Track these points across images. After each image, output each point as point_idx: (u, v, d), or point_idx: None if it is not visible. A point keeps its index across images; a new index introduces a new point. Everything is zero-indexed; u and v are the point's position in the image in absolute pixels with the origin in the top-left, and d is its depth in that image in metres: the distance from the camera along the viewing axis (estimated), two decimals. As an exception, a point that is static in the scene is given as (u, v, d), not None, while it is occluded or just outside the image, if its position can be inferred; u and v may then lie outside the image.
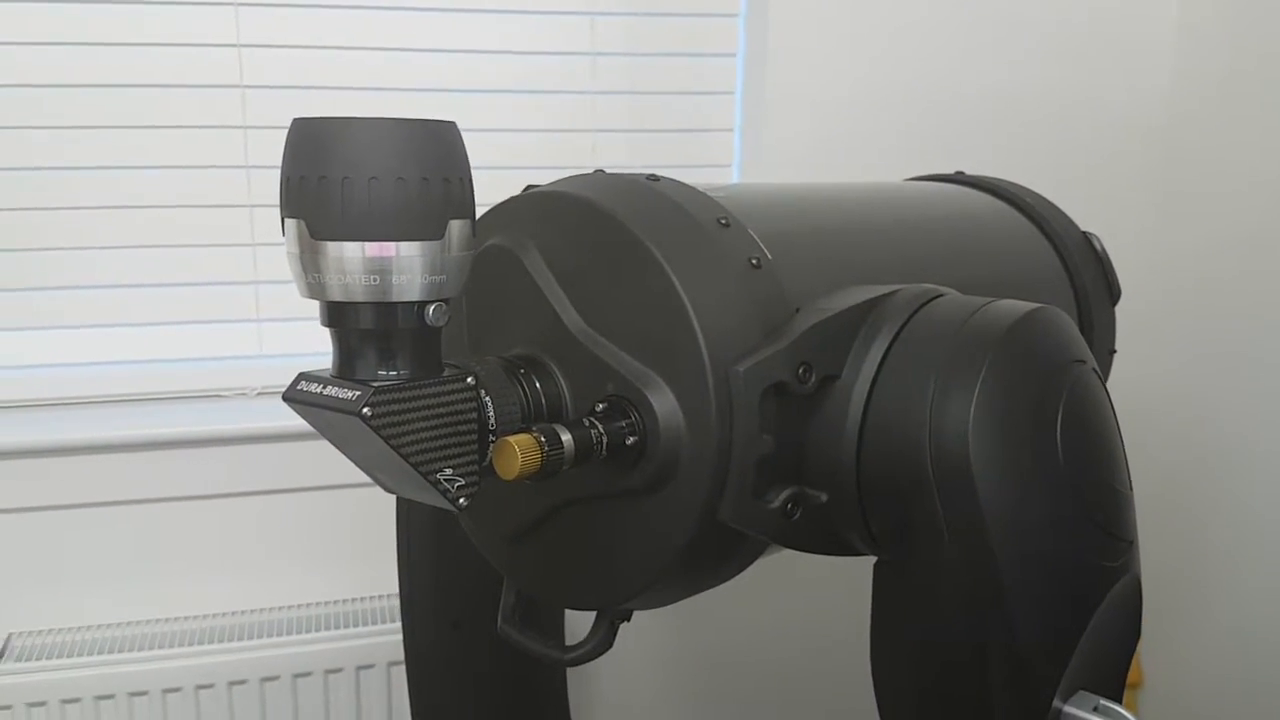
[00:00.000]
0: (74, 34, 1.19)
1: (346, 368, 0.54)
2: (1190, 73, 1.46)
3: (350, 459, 0.58)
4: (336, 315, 0.53)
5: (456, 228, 0.53)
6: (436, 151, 0.51)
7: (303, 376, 0.55)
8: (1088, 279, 0.86)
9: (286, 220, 0.52)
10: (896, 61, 1.38)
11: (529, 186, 0.70)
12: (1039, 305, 0.59)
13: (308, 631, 1.24)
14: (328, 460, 1.25)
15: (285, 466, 1.27)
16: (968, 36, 1.39)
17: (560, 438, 0.56)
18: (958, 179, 0.91)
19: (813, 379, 0.58)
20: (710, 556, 0.61)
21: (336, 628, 1.25)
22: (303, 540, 1.31)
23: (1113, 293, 0.88)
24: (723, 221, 0.61)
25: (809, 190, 0.76)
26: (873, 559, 0.61)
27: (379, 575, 1.30)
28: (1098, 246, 0.89)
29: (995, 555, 0.54)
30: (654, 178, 0.65)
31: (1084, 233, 0.89)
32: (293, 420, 1.25)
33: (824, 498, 0.59)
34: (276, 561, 1.30)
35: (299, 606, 1.29)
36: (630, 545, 0.61)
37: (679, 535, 0.58)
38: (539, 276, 0.63)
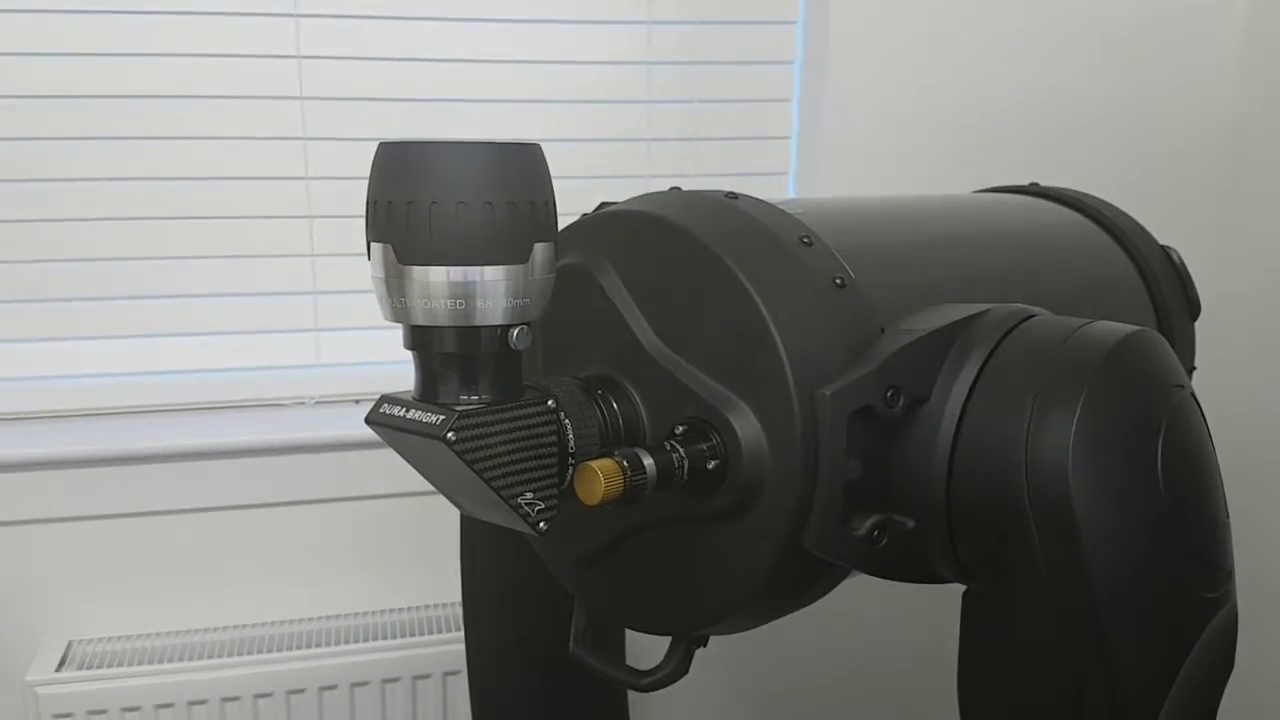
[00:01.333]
0: (134, 45, 1.20)
1: (429, 391, 0.53)
2: (1258, 75, 1.42)
3: (429, 480, 0.57)
4: (420, 339, 0.52)
5: (540, 251, 0.52)
6: (523, 175, 0.51)
7: (385, 399, 0.55)
8: (1167, 294, 0.84)
9: (373, 244, 0.51)
10: (957, 69, 1.35)
11: (603, 204, 0.69)
12: (1138, 328, 0.57)
13: (365, 640, 1.24)
14: (385, 468, 1.25)
15: (342, 475, 1.27)
16: (1028, 43, 1.37)
17: (642, 462, 0.55)
18: (1033, 190, 0.89)
19: (901, 402, 0.56)
20: (793, 583, 0.59)
21: (393, 637, 1.25)
22: (359, 548, 1.31)
23: (1192, 308, 0.86)
24: (805, 240, 0.60)
25: (887, 205, 0.74)
26: (958, 587, 0.60)
27: (436, 584, 1.30)
28: (1176, 260, 0.87)
29: (1094, 585, 0.52)
30: (732, 195, 0.63)
31: (1162, 246, 0.87)
32: (351, 429, 1.26)
33: (911, 524, 0.58)
34: (334, 570, 1.30)
35: (355, 615, 1.30)
36: (710, 571, 0.60)
37: (761, 563, 0.57)
38: (616, 296, 0.62)
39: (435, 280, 0.50)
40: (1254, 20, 1.42)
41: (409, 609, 1.31)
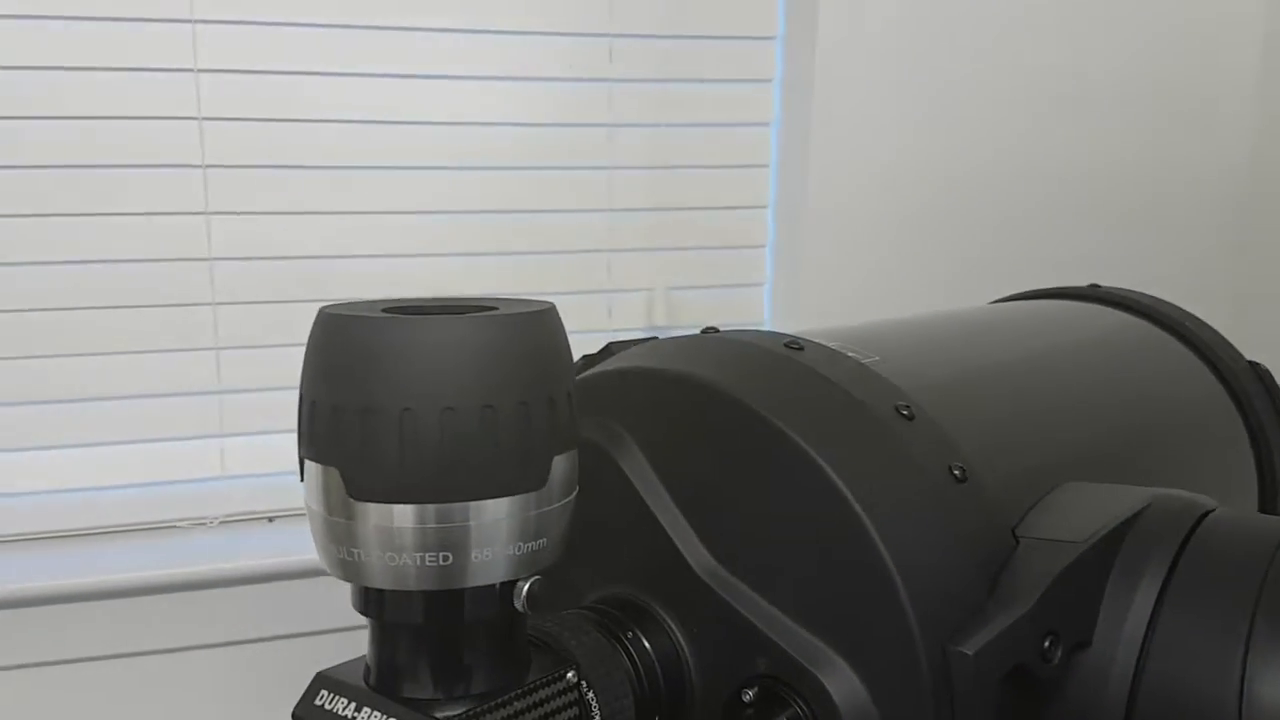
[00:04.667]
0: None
1: (389, 682, 0.35)
2: (1272, 145, 1.32)
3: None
4: (380, 606, 0.35)
5: (560, 467, 0.35)
6: (538, 359, 0.34)
7: (323, 684, 0.37)
8: (1263, 416, 0.71)
9: (308, 464, 0.34)
10: (956, 132, 1.23)
11: (609, 346, 0.52)
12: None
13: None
14: (305, 604, 1.06)
15: (255, 612, 1.07)
16: (1023, 112, 1.25)
17: (710, 767, 0.38)
18: (1099, 296, 0.75)
19: (1059, 653, 0.40)
20: None
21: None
22: (269, 699, 1.09)
23: (1287, 430, 0.73)
24: (904, 411, 0.44)
25: (959, 339, 0.59)
26: None
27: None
28: (1264, 376, 0.74)
29: None
30: (795, 344, 0.47)
31: (1250, 362, 0.74)
32: (264, 558, 1.06)
33: (1066, 815, 0.42)
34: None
35: (270, 780, 1.09)
36: None
37: None
38: (645, 489, 0.45)
39: (405, 526, 0.32)
40: (1267, 84, 1.33)
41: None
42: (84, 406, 1.06)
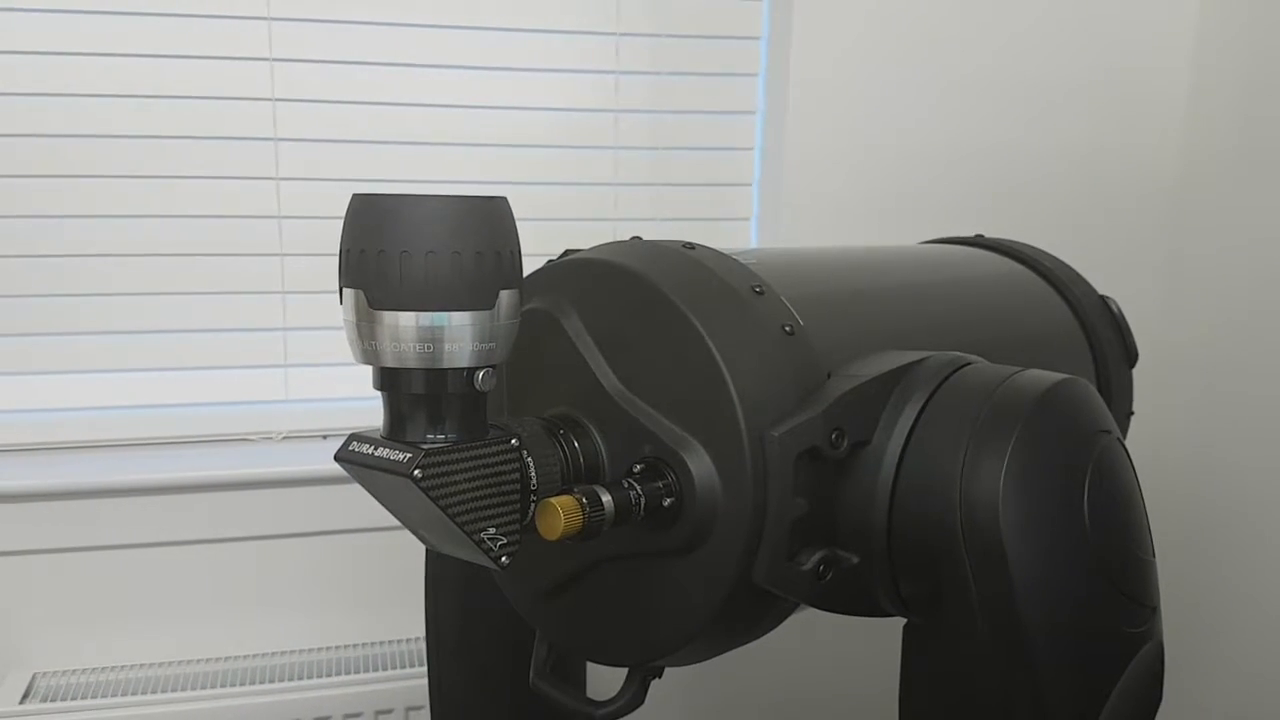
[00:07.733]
0: (108, 85, 1.23)
1: (397, 430, 0.56)
2: (1202, 133, 1.49)
3: (395, 516, 0.60)
4: (389, 380, 0.55)
5: (506, 298, 0.55)
6: (489, 226, 0.54)
7: (354, 437, 0.57)
8: (1105, 342, 0.88)
9: (345, 290, 0.54)
10: (911, 122, 1.40)
11: (567, 250, 0.73)
12: (1066, 376, 0.60)
13: (329, 675, 1.25)
14: (350, 504, 1.28)
15: (308, 510, 1.29)
16: (980, 98, 1.42)
17: (601, 499, 0.58)
18: (977, 242, 0.93)
19: (845, 444, 0.59)
20: (743, 617, 0.62)
21: (356, 671, 1.26)
22: (323, 583, 1.32)
23: (1130, 356, 0.90)
24: (757, 289, 0.64)
25: (836, 255, 0.78)
26: (902, 620, 0.63)
27: (399, 619, 1.32)
28: (1115, 310, 0.91)
29: (1023, 621, 0.56)
30: (690, 245, 0.67)
31: (1101, 296, 0.91)
32: (318, 464, 1.28)
33: (855, 560, 0.61)
34: (298, 604, 1.32)
35: (319, 650, 1.31)
36: (664, 604, 0.62)
37: (713, 596, 0.60)
38: (579, 340, 0.65)
39: (404, 325, 0.53)
40: (1199, 77, 1.49)
41: (373, 644, 1.32)
42: (174, 337, 1.29)
